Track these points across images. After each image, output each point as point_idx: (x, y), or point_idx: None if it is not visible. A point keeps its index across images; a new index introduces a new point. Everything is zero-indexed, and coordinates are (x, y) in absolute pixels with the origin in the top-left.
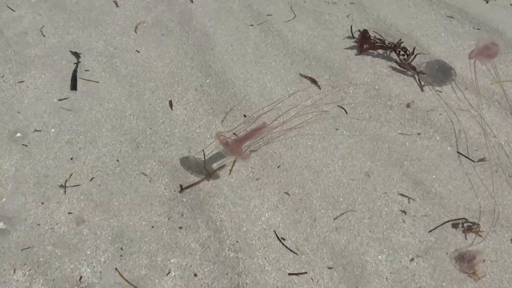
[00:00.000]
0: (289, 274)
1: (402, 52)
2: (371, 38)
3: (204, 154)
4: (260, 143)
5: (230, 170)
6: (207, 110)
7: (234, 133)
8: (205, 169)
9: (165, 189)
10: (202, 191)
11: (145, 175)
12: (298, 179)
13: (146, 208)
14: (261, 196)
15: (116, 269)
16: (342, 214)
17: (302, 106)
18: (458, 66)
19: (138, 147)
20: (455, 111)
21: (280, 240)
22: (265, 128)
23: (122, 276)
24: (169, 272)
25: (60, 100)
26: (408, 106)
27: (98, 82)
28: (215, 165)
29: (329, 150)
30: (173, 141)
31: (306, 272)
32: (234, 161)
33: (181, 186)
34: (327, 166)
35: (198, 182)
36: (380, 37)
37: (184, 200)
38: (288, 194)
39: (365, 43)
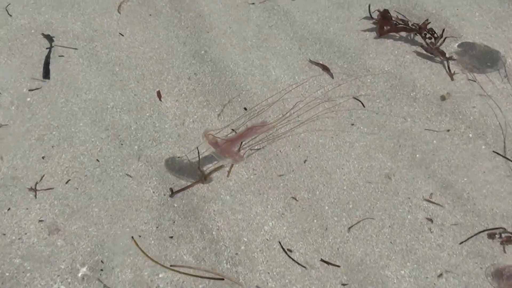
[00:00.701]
0: None
1: (428, 35)
2: (393, 19)
3: (198, 153)
4: (263, 141)
5: (228, 172)
6: (201, 102)
7: (232, 129)
8: (200, 171)
9: (153, 193)
10: (196, 195)
11: (130, 177)
12: (307, 182)
13: (131, 214)
14: (264, 201)
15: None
16: (358, 222)
17: (311, 97)
18: (495, 51)
19: (122, 144)
20: (491, 104)
21: (286, 252)
22: (262, 128)
23: None
24: None
25: (30, 90)
26: (442, 98)
27: (75, 70)
28: (211, 166)
29: (343, 149)
30: (163, 138)
31: None
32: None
33: (171, 189)
34: (341, 167)
35: (192, 185)
36: (403, 18)
37: (175, 205)
38: (295, 199)
39: (385, 24)
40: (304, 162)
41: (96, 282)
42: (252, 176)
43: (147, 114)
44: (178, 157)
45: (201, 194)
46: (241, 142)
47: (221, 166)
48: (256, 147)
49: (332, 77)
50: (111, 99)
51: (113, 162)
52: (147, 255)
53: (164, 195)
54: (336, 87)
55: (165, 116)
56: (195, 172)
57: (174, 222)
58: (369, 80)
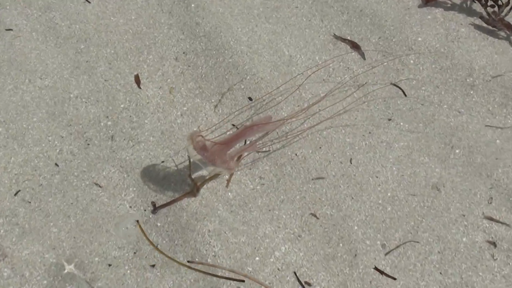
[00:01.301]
0: None
1: (490, 2)
2: None
3: (189, 157)
4: (275, 141)
5: (228, 181)
6: (193, 89)
7: (233, 125)
8: (190, 179)
9: (130, 207)
10: (185, 211)
11: (100, 187)
12: (331, 195)
13: (101, 237)
14: (275, 219)
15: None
16: (398, 247)
17: (337, 84)
18: None
19: (89, 145)
20: None
21: (303, 286)
22: (267, 126)
23: None
24: None
25: None
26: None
27: (26, 48)
28: (205, 173)
29: (378, 151)
30: (142, 136)
31: None
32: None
33: (154, 204)
34: (376, 174)
35: (180, 198)
36: None
37: (158, 225)
38: (315, 216)
39: None
40: (327, 169)
41: None
42: (259, 187)
43: (122, 106)
44: (162, 162)
45: (192, 210)
46: (241, 144)
47: (218, 174)
48: (264, 149)
49: (364, 58)
50: (74, 86)
51: (77, 167)
52: (156, 247)
53: (145, 210)
54: (369, 71)
55: (145, 108)
56: (184, 182)
57: (157, 246)
58: (412, 61)
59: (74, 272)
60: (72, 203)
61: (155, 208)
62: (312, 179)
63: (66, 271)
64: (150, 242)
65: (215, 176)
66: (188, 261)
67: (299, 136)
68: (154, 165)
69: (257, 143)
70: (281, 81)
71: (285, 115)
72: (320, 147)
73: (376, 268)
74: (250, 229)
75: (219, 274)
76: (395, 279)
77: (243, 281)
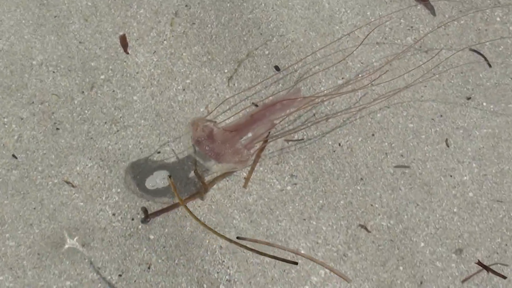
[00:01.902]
0: None
1: None
2: None
3: (194, 148)
4: (310, 127)
5: (246, 180)
6: (199, 56)
7: (254, 104)
8: (197, 176)
9: (113, 215)
10: (189, 220)
11: (73, 186)
12: (388, 200)
13: (73, 253)
14: (312, 232)
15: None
16: (480, 271)
17: (396, 49)
18: None
19: (58, 129)
20: None
21: None
22: (295, 103)
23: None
24: None
25: None
26: None
27: None
28: (215, 170)
29: (453, 141)
30: (129, 118)
31: None
32: (254, 164)
33: (145, 210)
34: (449, 173)
35: (180, 204)
36: None
37: (151, 238)
38: (366, 229)
39: None
40: (382, 164)
41: None
42: (289, 188)
43: (102, 77)
44: (158, 153)
45: (199, 219)
46: (263, 130)
47: (233, 170)
48: (295, 137)
49: (433, 13)
50: (38, 51)
51: (42, 160)
52: (196, 218)
53: (132, 219)
54: (439, 28)
55: (133, 80)
56: (188, 180)
57: (149, 267)
58: (498, 19)
59: None
60: (35, 208)
61: (147, 216)
62: (361, 179)
63: None
64: (191, 214)
65: (229, 173)
66: (238, 237)
67: (343, 120)
68: (147, 158)
69: (286, 129)
70: (319, 45)
71: (324, 91)
72: (373, 135)
73: None
74: (277, 243)
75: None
76: None
77: (296, 263)
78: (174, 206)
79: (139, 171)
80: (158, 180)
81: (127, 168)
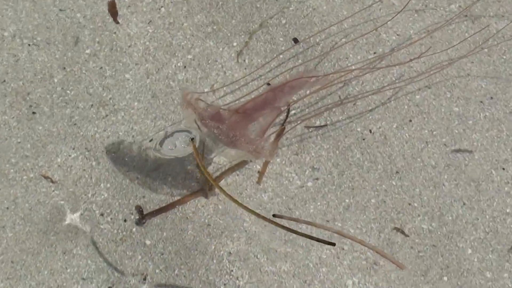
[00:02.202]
0: None
1: None
2: None
3: (198, 133)
4: (332, 109)
5: (261, 174)
6: (202, 26)
7: (268, 84)
8: (200, 170)
9: (101, 216)
10: (192, 222)
11: (52, 181)
12: (429, 197)
13: (53, 263)
14: (336, 236)
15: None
16: None
17: (438, 17)
18: None
19: (35, 113)
20: None
21: None
22: (314, 81)
23: None
24: None
25: None
26: None
27: None
28: (222, 161)
29: (505, 128)
30: (120, 101)
31: None
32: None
33: (140, 210)
34: (501, 165)
35: (183, 202)
36: None
37: (147, 243)
38: (403, 232)
39: None
40: (422, 155)
41: None
42: (310, 184)
43: (88, 52)
44: (151, 141)
45: (203, 220)
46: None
47: (244, 162)
48: (317, 123)
49: None
50: (10, 20)
51: (16, 150)
52: (225, 193)
53: (125, 221)
54: None
55: (125, 54)
56: (189, 174)
57: (145, 279)
58: None
59: None
60: (7, 208)
61: (142, 217)
62: (397, 172)
63: None
64: (223, 192)
65: (239, 165)
66: (274, 215)
67: (375, 103)
68: (141, 147)
69: (306, 113)
70: (345, 13)
71: (352, 67)
72: (410, 120)
73: None
74: (297, 251)
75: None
76: None
77: (334, 244)
78: (174, 203)
79: (132, 164)
80: (178, 142)
81: (117, 159)
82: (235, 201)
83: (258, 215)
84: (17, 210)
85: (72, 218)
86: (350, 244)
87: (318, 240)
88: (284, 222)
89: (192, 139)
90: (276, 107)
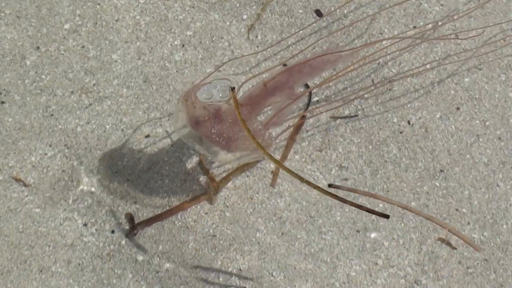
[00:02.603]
0: None
1: None
2: None
3: (192, 135)
4: (362, 95)
5: (274, 176)
6: None
7: (284, 64)
8: (202, 170)
9: (84, 226)
10: (193, 232)
11: (25, 185)
12: (481, 201)
13: (28, 284)
14: (369, 250)
15: None
16: None
17: None
18: None
19: (3, 103)
20: None
21: None
22: (340, 58)
23: None
24: None
25: None
26: None
27: None
28: (227, 161)
29: None
30: (107, 87)
31: None
32: (285, 151)
33: (130, 218)
34: None
35: (182, 208)
36: None
37: (140, 259)
38: (449, 244)
39: None
40: (471, 150)
41: None
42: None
43: (66, 27)
44: (147, 137)
45: (207, 231)
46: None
47: (254, 162)
48: (345, 113)
49: None
50: None
51: None
52: (261, 145)
53: (113, 232)
54: None
55: (112, 31)
56: (190, 175)
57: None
58: None
59: None
60: None
61: (134, 226)
62: (441, 171)
63: None
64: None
65: (248, 166)
66: (329, 185)
67: (414, 88)
68: (130, 142)
69: (332, 100)
70: None
71: (387, 45)
72: (458, 108)
73: None
74: (319, 268)
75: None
76: None
77: (388, 216)
78: (172, 210)
79: (121, 163)
80: (215, 91)
81: (103, 157)
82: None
83: (315, 186)
84: None
85: (52, 226)
86: (384, 257)
87: (372, 212)
88: (340, 193)
89: (233, 88)
90: (290, 92)
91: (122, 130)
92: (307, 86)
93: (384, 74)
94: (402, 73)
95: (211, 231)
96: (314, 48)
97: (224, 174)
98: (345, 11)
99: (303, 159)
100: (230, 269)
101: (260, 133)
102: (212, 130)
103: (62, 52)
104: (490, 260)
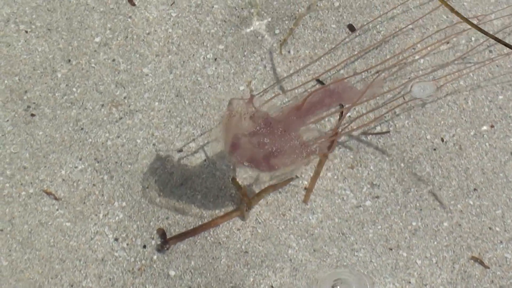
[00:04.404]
0: None
1: None
2: None
3: (233, 162)
4: (398, 110)
5: (308, 192)
6: (236, 8)
7: (318, 80)
8: (235, 186)
9: (115, 241)
10: (225, 248)
11: (56, 198)
12: None
13: None
14: (401, 266)
15: None
16: None
17: None
18: None
19: (33, 116)
20: None
21: None
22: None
23: None
24: None
25: None
26: None
27: None
28: (262, 175)
29: None
30: (138, 100)
31: None
32: (318, 168)
33: (162, 233)
34: None
35: (215, 224)
36: None
37: (171, 274)
38: (482, 263)
39: None
40: (505, 168)
41: None
42: (368, 202)
43: (97, 40)
44: (179, 152)
45: (240, 247)
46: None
47: (289, 179)
48: (377, 129)
49: None
50: (3, 1)
51: (11, 161)
52: None
53: (144, 247)
54: None
55: (143, 44)
56: (223, 190)
57: None
58: None
59: None
60: (2, 230)
61: (165, 241)
62: (475, 189)
63: None
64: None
65: (284, 182)
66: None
67: (448, 104)
68: (163, 157)
69: (363, 117)
70: None
71: (418, 59)
72: (492, 126)
73: None
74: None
75: None
76: None
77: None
78: (204, 226)
79: (152, 177)
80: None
81: (134, 172)
82: None
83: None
84: (14, 232)
85: (83, 241)
86: (418, 276)
87: None
88: None
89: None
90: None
91: (154, 144)
92: (341, 105)
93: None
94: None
95: (243, 247)
96: (347, 64)
97: (257, 191)
98: (378, 26)
99: (335, 177)
100: (262, 286)
101: (298, 150)
102: (253, 151)
103: (93, 65)
104: None
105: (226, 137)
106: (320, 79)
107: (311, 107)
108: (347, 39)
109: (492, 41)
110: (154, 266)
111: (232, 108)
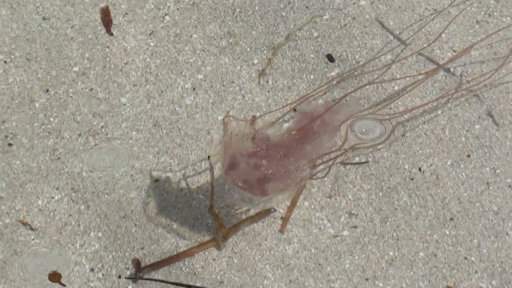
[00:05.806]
0: None
1: None
2: None
3: (211, 167)
4: (383, 142)
5: (284, 222)
6: (215, 38)
7: (294, 109)
8: (212, 216)
9: (91, 271)
10: (200, 278)
11: (32, 229)
12: (489, 250)
13: None
14: None
15: None
16: None
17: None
18: None
19: (11, 145)
20: None
21: None
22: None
23: None
24: None
25: None
26: None
27: None
28: (241, 203)
29: None
30: (115, 129)
31: None
32: (295, 198)
33: (137, 263)
34: None
35: (190, 253)
36: None
37: None
38: None
39: None
40: (481, 198)
41: None
42: (346, 232)
43: (75, 69)
44: (156, 181)
45: (215, 277)
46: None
47: (268, 211)
48: (356, 159)
49: None
50: None
51: None
52: None
53: (119, 277)
54: None
55: (120, 74)
56: (198, 221)
57: None
58: None
59: None
60: None
61: (139, 270)
62: (451, 219)
63: None
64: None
65: (260, 216)
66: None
67: (426, 133)
68: (139, 187)
69: (341, 147)
70: (391, 24)
71: (401, 91)
72: (469, 156)
73: None
74: None
75: None
76: None
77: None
78: (179, 256)
79: (131, 207)
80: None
81: (110, 201)
82: None
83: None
84: None
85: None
86: None
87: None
88: None
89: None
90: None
91: (131, 175)
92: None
93: (396, 119)
94: (415, 121)
95: (218, 277)
96: (325, 94)
97: (234, 221)
98: (357, 56)
99: (312, 206)
100: None
101: (293, 176)
102: (248, 173)
103: (71, 94)
104: None
105: (225, 156)
106: (296, 109)
107: (307, 133)
108: (325, 69)
109: (470, 70)
110: None
111: (227, 129)
